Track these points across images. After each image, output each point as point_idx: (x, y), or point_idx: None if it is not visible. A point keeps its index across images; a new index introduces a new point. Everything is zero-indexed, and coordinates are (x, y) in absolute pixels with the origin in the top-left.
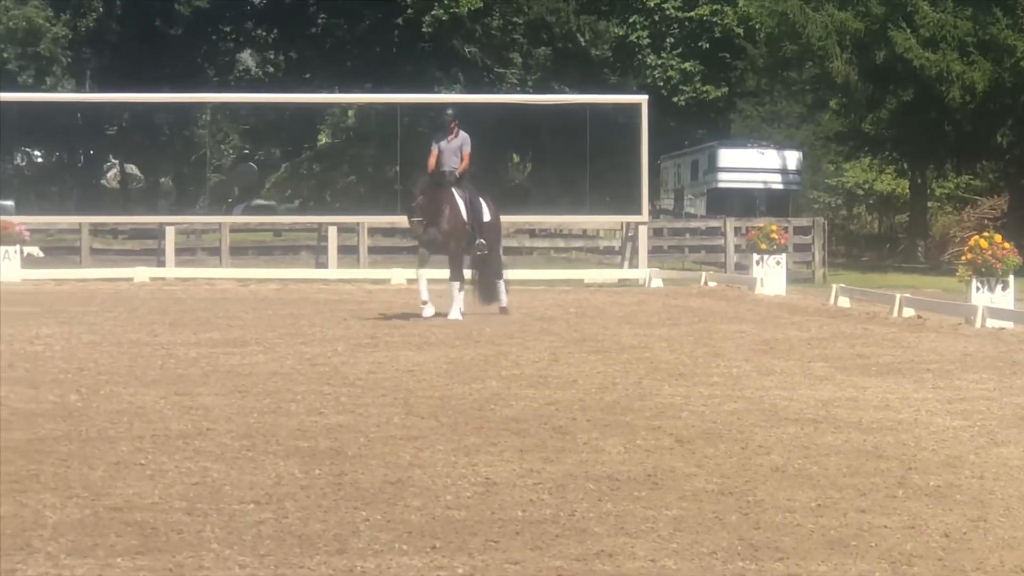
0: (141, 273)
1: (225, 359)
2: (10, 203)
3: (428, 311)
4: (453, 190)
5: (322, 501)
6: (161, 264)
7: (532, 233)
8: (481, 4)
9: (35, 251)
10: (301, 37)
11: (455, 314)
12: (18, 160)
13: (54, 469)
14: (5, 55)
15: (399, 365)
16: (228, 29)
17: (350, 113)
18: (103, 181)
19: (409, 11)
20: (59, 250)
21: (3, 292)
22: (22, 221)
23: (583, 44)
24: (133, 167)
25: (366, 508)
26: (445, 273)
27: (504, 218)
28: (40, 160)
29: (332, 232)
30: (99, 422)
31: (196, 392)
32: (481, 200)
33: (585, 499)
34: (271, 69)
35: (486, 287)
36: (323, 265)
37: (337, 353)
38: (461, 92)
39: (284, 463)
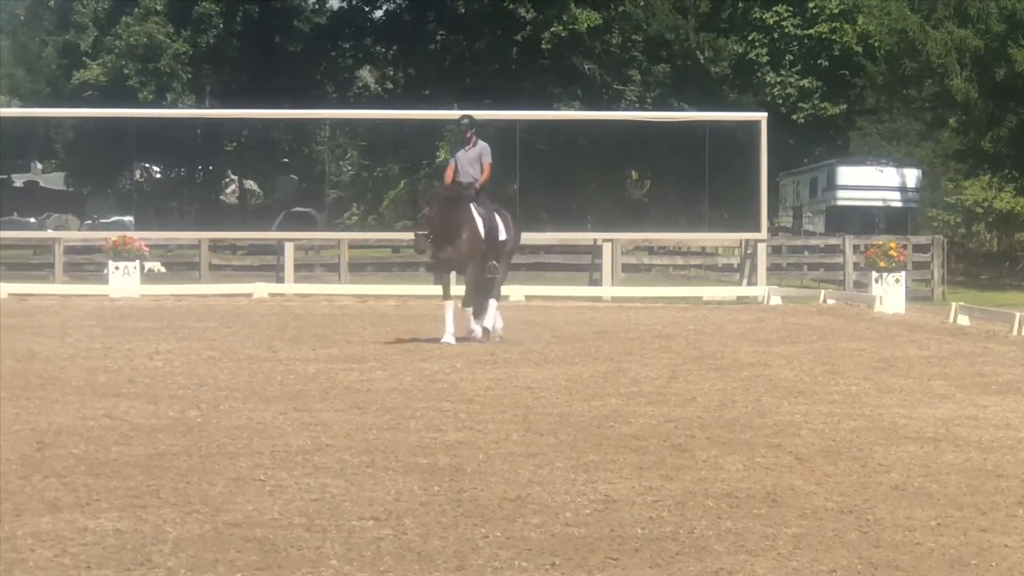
0: (260, 289)
1: (344, 375)
2: (129, 219)
3: (449, 339)
4: (472, 206)
5: (441, 518)
6: (280, 280)
7: (651, 250)
8: (600, 21)
9: (157, 266)
10: (420, 54)
11: (447, 338)
12: (137, 176)
13: (174, 484)
14: (126, 71)
15: (518, 382)
16: (347, 46)
17: None
18: (222, 197)
19: (528, 28)
20: (178, 265)
21: (124, 307)
22: (142, 237)
23: (702, 61)
24: (252, 183)
25: (485, 525)
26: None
27: (623, 235)
28: (159, 176)
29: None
30: (219, 438)
31: (315, 408)
32: (498, 217)
33: (704, 517)
34: (390, 85)
35: (479, 303)
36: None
37: (456, 370)
38: (579, 109)
39: (403, 479)
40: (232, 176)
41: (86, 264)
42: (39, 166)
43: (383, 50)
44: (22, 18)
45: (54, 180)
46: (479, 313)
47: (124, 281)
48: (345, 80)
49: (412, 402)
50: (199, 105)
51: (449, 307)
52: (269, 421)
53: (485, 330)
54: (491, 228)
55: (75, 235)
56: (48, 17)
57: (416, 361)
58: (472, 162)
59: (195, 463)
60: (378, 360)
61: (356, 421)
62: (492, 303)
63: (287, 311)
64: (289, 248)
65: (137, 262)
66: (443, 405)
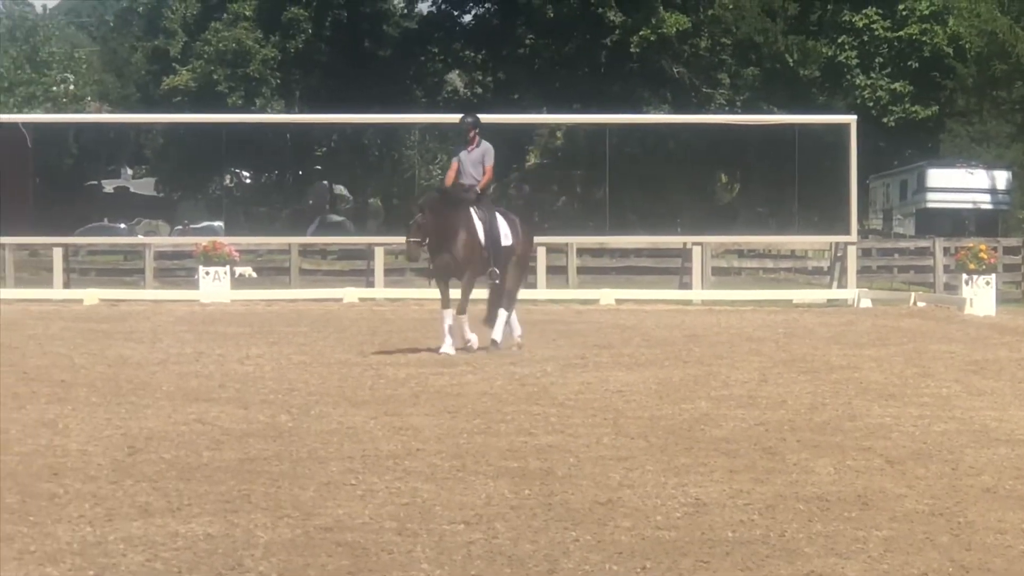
0: (350, 294)
1: (435, 379)
2: (220, 224)
3: (447, 348)
4: (471, 209)
5: (532, 521)
6: (370, 284)
7: (741, 253)
8: (689, 25)
9: (248, 271)
10: (509, 58)
11: (446, 348)
12: (227, 181)
13: (265, 489)
14: (215, 76)
15: (608, 385)
16: (436, 50)
17: (558, 134)
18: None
19: (617, 32)
20: (268, 270)
21: (214, 312)
22: (232, 242)
23: (791, 64)
24: (342, 188)
25: (576, 528)
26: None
27: (713, 238)
28: (249, 181)
29: (541, 252)
30: (309, 442)
31: (406, 412)
32: (503, 221)
33: (795, 520)
34: (479, 90)
35: (490, 315)
36: (532, 285)
37: (546, 373)
38: (668, 112)
39: (494, 483)
40: (323, 181)
41: (176, 269)
42: (129, 172)
43: (472, 54)
44: (112, 24)
45: (144, 186)
46: (490, 321)
47: (215, 286)
48: (434, 85)
49: (503, 406)
50: (288, 110)
51: (447, 315)
52: (360, 425)
53: (493, 341)
54: (492, 232)
55: (165, 240)
56: (138, 23)
57: (506, 365)
58: (475, 163)
59: (286, 468)
60: (469, 364)
61: (447, 425)
62: (502, 314)
63: (377, 315)
64: (379, 253)
65: (228, 267)
66: (533, 409)
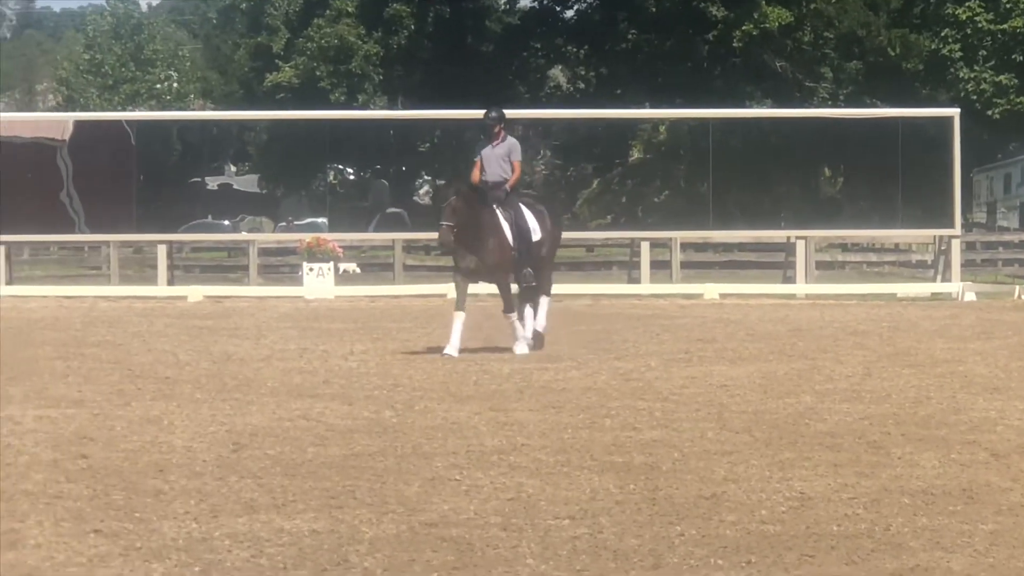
0: (454, 289)
1: (539, 375)
2: (323, 220)
3: (450, 350)
4: (498, 212)
5: (637, 516)
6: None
7: (844, 247)
8: (792, 19)
9: (353, 267)
10: (611, 53)
11: (521, 348)
12: (331, 177)
13: (370, 485)
14: (318, 73)
15: (712, 380)
16: (539, 46)
17: (662, 128)
18: (415, 198)
19: (719, 26)
20: (372, 266)
21: (318, 308)
22: (335, 238)
23: (894, 58)
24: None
25: (681, 523)
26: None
27: (816, 232)
28: (352, 177)
29: (644, 247)
30: (414, 438)
31: (510, 407)
32: (530, 214)
33: (900, 514)
34: (581, 85)
35: (524, 303)
36: (635, 280)
37: (651, 368)
38: (771, 107)
39: (599, 478)
40: (426, 177)
41: (280, 266)
42: (233, 169)
43: (574, 50)
44: (215, 21)
45: (247, 182)
46: (526, 316)
47: (318, 282)
48: (537, 80)
49: (607, 401)
50: (391, 106)
51: (459, 318)
52: (464, 421)
53: (537, 333)
54: (521, 231)
55: (269, 237)
56: (240, 20)
57: (610, 360)
58: (500, 159)
59: (391, 463)
60: (573, 359)
61: (551, 420)
62: (544, 301)
63: (481, 311)
64: None
65: (331, 263)
66: (638, 403)
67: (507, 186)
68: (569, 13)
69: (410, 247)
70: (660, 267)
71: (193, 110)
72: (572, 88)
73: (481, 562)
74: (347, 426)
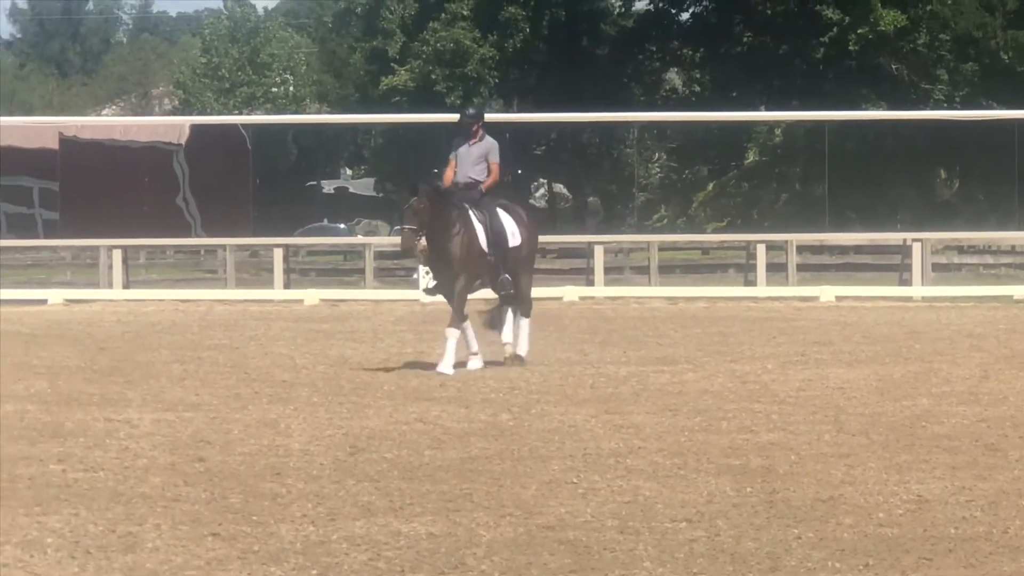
0: (570, 292)
1: (655, 378)
2: None
3: (475, 363)
4: (470, 212)
5: (754, 519)
6: (590, 283)
7: (961, 249)
8: (907, 21)
9: None
10: (727, 56)
11: (445, 367)
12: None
13: (487, 488)
14: (433, 76)
15: (829, 382)
16: (654, 49)
17: (777, 131)
18: (531, 200)
19: (834, 29)
20: None
21: (434, 311)
22: None
23: (1007, 60)
24: (561, 186)
25: (798, 526)
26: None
27: (932, 234)
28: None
29: (760, 249)
30: (531, 441)
31: (627, 411)
32: (508, 217)
33: (1018, 516)
34: (697, 88)
35: (497, 313)
36: (751, 283)
37: (767, 371)
38: (886, 109)
39: (716, 481)
40: (541, 180)
41: (396, 269)
42: (348, 172)
43: (690, 53)
44: (330, 25)
45: (363, 186)
46: (493, 321)
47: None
48: (652, 83)
49: (723, 404)
50: (506, 109)
51: (464, 330)
52: (581, 424)
53: (519, 358)
54: (496, 235)
55: (385, 240)
56: (356, 24)
57: (727, 363)
58: (475, 160)
59: (507, 466)
60: (689, 362)
61: (668, 423)
62: (524, 324)
63: (597, 314)
64: (599, 251)
65: None
66: (754, 406)
67: (482, 187)
68: (684, 16)
69: None
70: (776, 269)
71: (309, 114)
72: (687, 91)
73: (598, 565)
74: (464, 429)
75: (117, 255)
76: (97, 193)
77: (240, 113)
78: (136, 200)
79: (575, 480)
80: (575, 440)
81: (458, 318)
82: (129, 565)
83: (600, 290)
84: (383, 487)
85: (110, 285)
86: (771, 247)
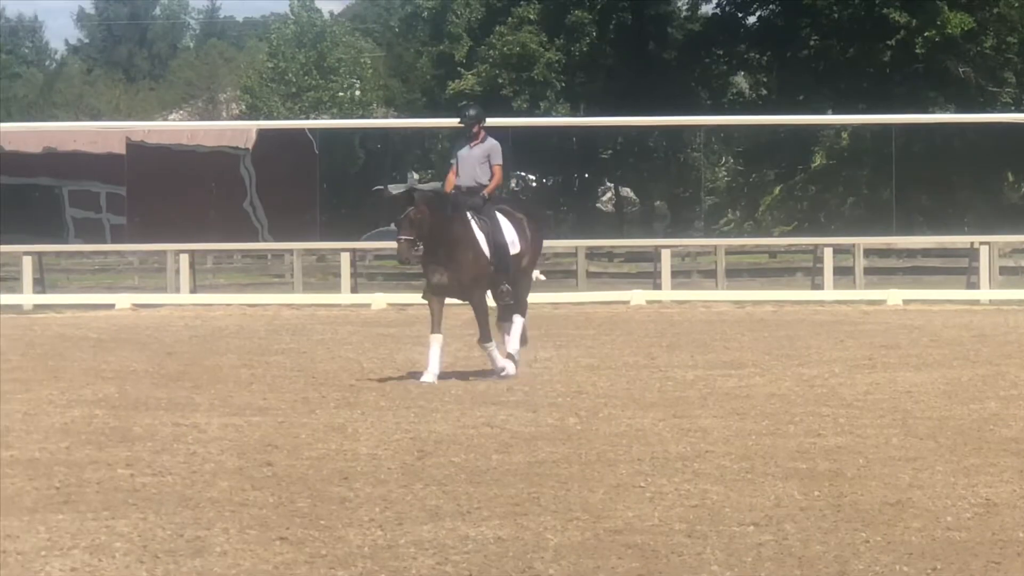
0: (637, 296)
1: (723, 381)
2: None
3: (429, 377)
4: (472, 221)
5: (821, 523)
6: (657, 287)
7: None
8: (974, 24)
9: (536, 274)
10: (794, 59)
11: (509, 369)
12: (513, 185)
13: (554, 492)
14: (500, 80)
15: (896, 386)
16: (721, 52)
17: (844, 134)
18: (598, 204)
19: (901, 32)
20: (555, 273)
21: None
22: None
23: None
24: (628, 190)
25: (866, 529)
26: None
27: (1000, 237)
28: (535, 184)
29: (827, 253)
30: (598, 445)
31: (694, 414)
32: (509, 225)
33: None
34: (764, 91)
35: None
36: (819, 286)
37: (834, 374)
38: (954, 112)
39: (783, 485)
40: (608, 184)
41: None
42: (415, 176)
43: (757, 56)
44: (397, 29)
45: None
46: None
47: None
48: (719, 86)
49: (791, 407)
50: (573, 113)
51: (436, 341)
52: (648, 428)
53: (509, 356)
54: (498, 244)
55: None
56: (422, 28)
57: (794, 366)
58: (477, 162)
59: (575, 470)
60: (756, 366)
61: (735, 427)
62: (516, 321)
63: (664, 318)
64: (666, 255)
65: None
66: (822, 410)
67: (485, 192)
68: (751, 19)
69: (593, 254)
70: (843, 273)
71: (375, 118)
72: (754, 94)
73: (666, 569)
74: (531, 433)
75: (184, 259)
76: (164, 198)
77: (307, 117)
78: (203, 205)
79: (643, 484)
80: (643, 444)
81: (486, 330)
82: (197, 569)
83: (667, 294)
84: (450, 491)
85: (177, 289)
86: (838, 251)
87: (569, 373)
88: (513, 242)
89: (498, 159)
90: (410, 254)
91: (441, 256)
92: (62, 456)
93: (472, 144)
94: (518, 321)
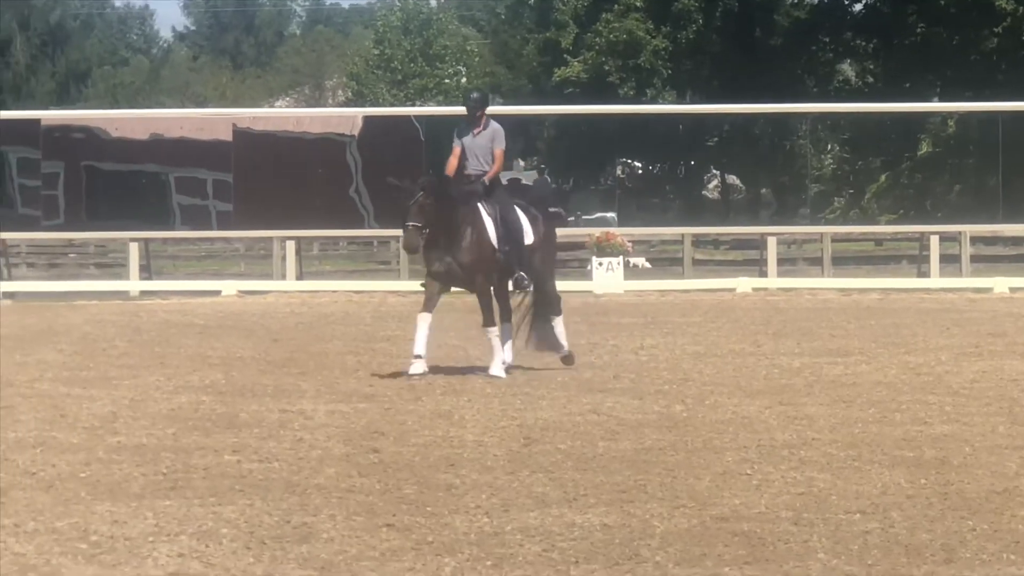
0: (743, 283)
1: (829, 369)
2: (612, 215)
3: (417, 367)
4: (479, 205)
5: (928, 511)
6: (763, 274)
7: None
8: None
9: (641, 262)
10: (900, 47)
11: (496, 369)
12: (619, 172)
13: (660, 479)
14: (606, 68)
15: (1003, 374)
16: (827, 40)
17: (950, 122)
18: (704, 192)
19: (1007, 19)
20: (661, 261)
21: (608, 303)
22: (624, 232)
23: None
24: (734, 177)
25: (972, 518)
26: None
27: None
28: (641, 172)
29: (934, 241)
30: (704, 432)
31: (800, 402)
32: (522, 215)
33: None
34: (870, 79)
35: (540, 329)
36: (925, 274)
37: (941, 362)
38: None
39: (889, 473)
40: (714, 171)
41: (569, 261)
42: (521, 163)
43: (863, 44)
44: (503, 17)
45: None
46: (548, 340)
47: (608, 277)
48: (825, 74)
49: (897, 395)
50: (680, 100)
51: (424, 321)
52: (754, 415)
53: (565, 357)
54: (511, 230)
55: (560, 232)
56: (528, 15)
57: (900, 354)
58: (482, 149)
59: (681, 458)
60: (862, 353)
61: (841, 415)
62: (558, 321)
63: (770, 305)
64: (772, 242)
65: (620, 258)
66: (928, 398)
67: (485, 178)
68: (858, 7)
69: (699, 241)
70: (950, 261)
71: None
72: (860, 82)
73: (772, 556)
74: (637, 420)
75: (290, 246)
76: (270, 185)
77: (412, 104)
78: (309, 191)
79: (749, 472)
80: (749, 431)
81: (490, 316)
82: (304, 555)
83: (773, 281)
84: (557, 478)
85: (283, 276)
86: (944, 238)
87: (675, 360)
88: (527, 232)
89: (501, 144)
90: (419, 242)
91: (442, 243)
92: (169, 442)
93: (476, 131)
94: (557, 321)
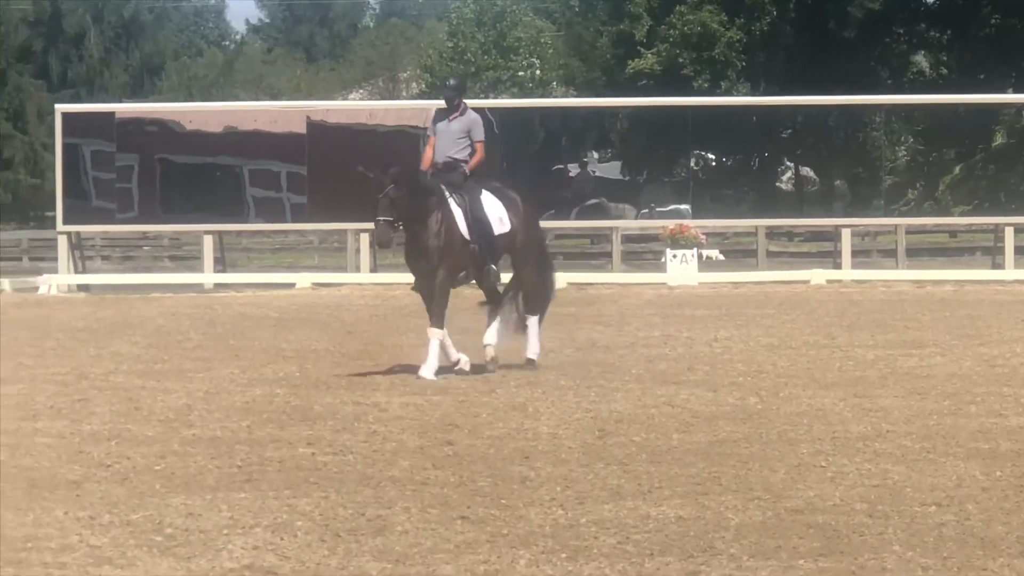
0: (818, 275)
1: (903, 361)
2: (686, 207)
3: (425, 371)
4: (449, 198)
5: (1004, 503)
6: (837, 266)
7: None
8: None
9: (715, 254)
10: (974, 38)
11: (426, 371)
12: (693, 164)
13: (735, 471)
14: (680, 60)
15: None
16: (901, 31)
17: None
18: (778, 183)
19: None
20: (735, 253)
21: (682, 295)
22: (698, 224)
23: None
24: (808, 169)
25: None
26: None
27: None
28: (714, 164)
29: (1008, 232)
30: (778, 424)
31: (875, 394)
32: (496, 202)
33: None
34: (944, 70)
35: (509, 317)
36: (999, 266)
37: (1016, 354)
38: None
39: (964, 465)
40: (788, 163)
41: (643, 252)
42: (595, 155)
43: (937, 35)
44: (576, 9)
45: (609, 169)
46: (505, 327)
47: (682, 269)
48: (899, 66)
49: (972, 387)
50: (753, 92)
51: (436, 336)
52: (829, 407)
53: (529, 360)
54: (478, 221)
55: (632, 224)
56: (602, 8)
57: (975, 346)
58: (455, 137)
59: (755, 450)
60: (937, 345)
61: (916, 407)
62: (532, 323)
63: (844, 297)
64: (846, 234)
65: (695, 250)
66: (1003, 390)
67: (466, 169)
68: None
69: (773, 233)
70: None
71: (555, 97)
72: (934, 73)
73: (847, 549)
74: (712, 412)
75: (365, 239)
76: (344, 177)
77: (487, 97)
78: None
79: (823, 464)
80: (823, 423)
81: (439, 317)
82: (379, 548)
83: (847, 273)
84: (631, 470)
85: (357, 269)
86: (1019, 230)
87: (749, 352)
88: (501, 219)
89: (480, 135)
90: (389, 236)
91: (415, 235)
92: (243, 435)
93: (451, 117)
94: (533, 323)
